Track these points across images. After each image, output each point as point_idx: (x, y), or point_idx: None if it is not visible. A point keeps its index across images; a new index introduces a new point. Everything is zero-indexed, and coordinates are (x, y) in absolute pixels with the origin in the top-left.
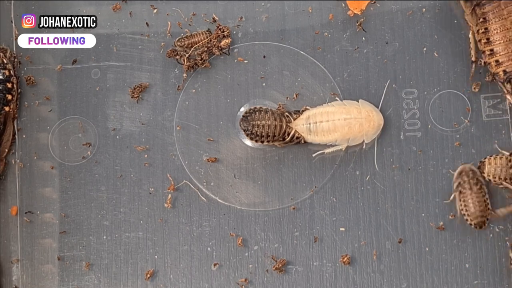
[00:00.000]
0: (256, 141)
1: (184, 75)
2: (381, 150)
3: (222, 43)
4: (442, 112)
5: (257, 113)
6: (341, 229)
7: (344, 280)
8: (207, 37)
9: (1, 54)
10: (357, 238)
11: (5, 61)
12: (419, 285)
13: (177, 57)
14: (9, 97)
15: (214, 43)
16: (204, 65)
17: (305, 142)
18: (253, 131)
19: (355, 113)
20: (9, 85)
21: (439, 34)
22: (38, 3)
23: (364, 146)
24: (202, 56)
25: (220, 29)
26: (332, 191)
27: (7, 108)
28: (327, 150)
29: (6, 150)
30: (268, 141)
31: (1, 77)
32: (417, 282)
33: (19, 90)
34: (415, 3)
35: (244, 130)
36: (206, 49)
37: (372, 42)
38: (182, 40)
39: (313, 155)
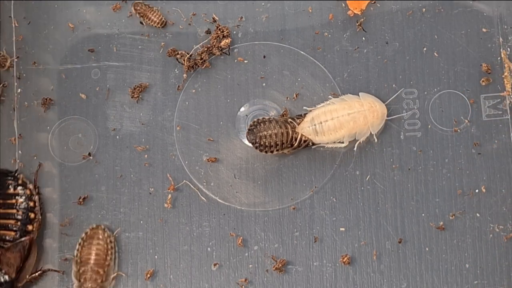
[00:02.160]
0: (266, 152)
1: (184, 75)
2: (381, 150)
3: (222, 43)
4: (442, 112)
5: (261, 124)
6: (341, 229)
7: (344, 280)
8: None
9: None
10: (357, 238)
11: (27, 183)
12: (419, 285)
13: (178, 56)
14: (32, 215)
15: (214, 43)
16: (204, 65)
17: (313, 144)
18: (261, 143)
19: (357, 107)
20: (31, 204)
21: (439, 34)
22: (38, 3)
23: (374, 138)
24: (202, 56)
25: (219, 29)
26: (332, 191)
27: (30, 227)
28: (329, 145)
29: (28, 277)
30: (277, 150)
31: (22, 197)
32: (417, 282)
33: (40, 210)
34: (415, 3)
35: (252, 143)
36: (206, 49)
37: (372, 42)
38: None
39: (329, 145)
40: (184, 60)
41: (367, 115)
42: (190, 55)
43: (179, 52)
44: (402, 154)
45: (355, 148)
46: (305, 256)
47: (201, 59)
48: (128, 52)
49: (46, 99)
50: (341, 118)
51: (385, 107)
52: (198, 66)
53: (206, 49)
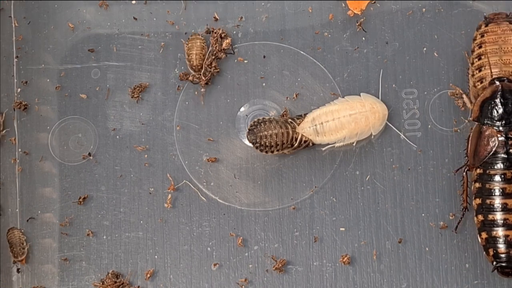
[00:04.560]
0: (266, 152)
1: (202, 90)
2: (381, 150)
3: (224, 44)
4: (442, 112)
5: (262, 124)
6: (341, 229)
7: (344, 280)
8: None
9: None
10: (357, 238)
11: None
12: (419, 285)
13: (190, 79)
14: None
15: (216, 47)
16: (217, 70)
17: (313, 144)
18: (262, 143)
19: (359, 108)
20: None
21: (439, 34)
22: (38, 3)
23: (372, 137)
24: (213, 64)
25: (215, 32)
26: (332, 191)
27: None
28: (337, 144)
29: None
30: (278, 150)
31: None
32: (417, 282)
33: None
34: (415, 3)
35: (253, 143)
36: (213, 57)
37: (372, 42)
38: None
39: (323, 149)
40: (200, 80)
41: (368, 116)
42: (204, 73)
43: (191, 76)
44: (402, 154)
45: (354, 144)
46: (305, 256)
47: (213, 66)
48: (128, 52)
49: (46, 99)
50: (342, 119)
51: (386, 108)
52: (214, 75)
53: (214, 57)
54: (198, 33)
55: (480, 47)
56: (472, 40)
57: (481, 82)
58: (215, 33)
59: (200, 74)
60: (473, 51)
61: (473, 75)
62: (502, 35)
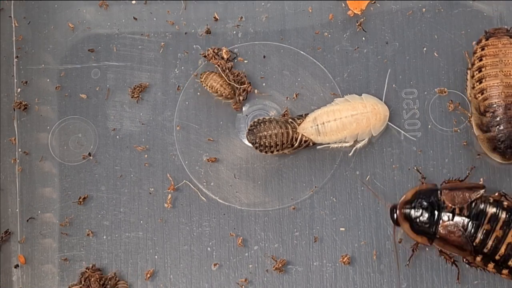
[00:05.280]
0: (266, 152)
1: (256, 91)
2: (381, 150)
3: (224, 55)
4: (442, 112)
5: (261, 124)
6: (341, 229)
7: (344, 280)
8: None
9: None
10: (357, 238)
11: None
12: (419, 285)
13: (242, 98)
14: None
15: (222, 63)
16: (243, 71)
17: (313, 144)
18: (261, 143)
19: (360, 108)
20: None
21: (439, 34)
22: (38, 3)
23: (372, 138)
24: (236, 73)
25: (208, 54)
26: (332, 191)
27: None
28: (336, 145)
29: None
30: (278, 150)
31: None
32: (417, 282)
33: None
34: (415, 3)
35: (253, 144)
36: (228, 71)
37: (372, 42)
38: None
39: (318, 147)
40: (248, 89)
41: (370, 117)
42: (241, 83)
43: (237, 98)
44: (402, 154)
45: (350, 154)
46: (305, 256)
47: (237, 74)
48: (128, 52)
49: (46, 99)
50: (344, 119)
51: (387, 110)
52: (246, 76)
53: (228, 71)
54: (204, 71)
55: (481, 60)
56: (472, 54)
57: (482, 94)
58: (208, 55)
59: (241, 87)
60: (473, 64)
61: (473, 87)
62: (502, 48)
